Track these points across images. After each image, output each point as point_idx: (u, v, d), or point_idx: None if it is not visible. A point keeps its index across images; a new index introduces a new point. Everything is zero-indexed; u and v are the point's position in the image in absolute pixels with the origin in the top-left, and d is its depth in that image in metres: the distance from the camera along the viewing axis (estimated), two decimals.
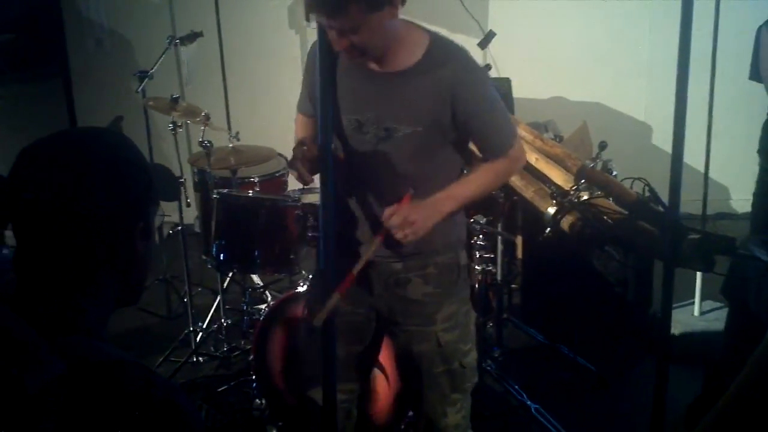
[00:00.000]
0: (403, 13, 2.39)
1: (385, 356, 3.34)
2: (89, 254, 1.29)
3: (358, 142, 2.48)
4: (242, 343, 4.22)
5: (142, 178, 1.36)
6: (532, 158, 3.40)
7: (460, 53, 2.43)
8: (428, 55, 2.38)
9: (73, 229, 1.26)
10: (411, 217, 2.33)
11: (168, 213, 4.84)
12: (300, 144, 2.46)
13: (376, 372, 3.39)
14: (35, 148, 1.31)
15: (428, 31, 2.45)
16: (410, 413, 3.45)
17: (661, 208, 2.79)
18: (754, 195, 3.93)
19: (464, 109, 2.38)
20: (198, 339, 4.31)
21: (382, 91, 2.42)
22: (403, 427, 3.44)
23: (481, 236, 3.81)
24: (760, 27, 3.91)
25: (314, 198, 3.68)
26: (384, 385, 3.39)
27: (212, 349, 4.31)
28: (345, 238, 2.54)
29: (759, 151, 3.93)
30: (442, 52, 2.40)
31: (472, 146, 2.64)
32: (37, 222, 1.25)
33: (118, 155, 1.34)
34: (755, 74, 3.92)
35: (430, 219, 2.38)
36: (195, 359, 4.20)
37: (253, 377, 3.70)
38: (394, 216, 2.34)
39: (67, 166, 1.26)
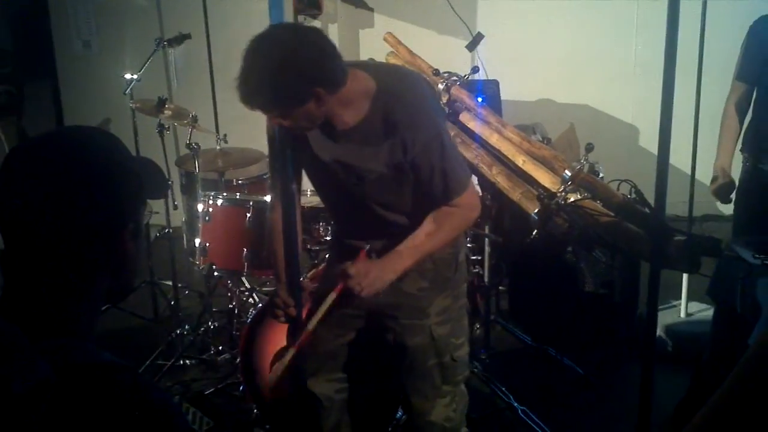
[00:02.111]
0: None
1: None
2: (79, 257, 1.28)
3: (336, 183, 2.54)
4: (229, 345, 4.21)
5: (133, 179, 1.35)
6: (519, 160, 3.41)
7: (408, 95, 2.43)
8: (375, 104, 2.38)
9: (64, 232, 1.25)
10: (366, 272, 2.40)
11: (156, 210, 4.82)
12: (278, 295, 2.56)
13: None
14: (24, 150, 1.30)
15: (374, 75, 2.42)
16: (399, 413, 3.45)
17: (647, 210, 2.80)
18: (736, 193, 3.94)
19: (413, 152, 2.38)
20: (185, 341, 4.30)
21: (343, 145, 2.45)
22: (390, 429, 3.44)
23: (468, 239, 3.81)
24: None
25: (302, 201, 3.68)
26: None
27: (199, 351, 4.29)
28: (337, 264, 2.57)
29: (742, 150, 3.94)
30: (389, 97, 2.39)
31: None
32: (26, 225, 1.25)
33: (109, 157, 1.33)
34: (743, 74, 3.93)
35: (386, 275, 2.44)
36: (182, 362, 4.19)
37: (241, 380, 3.69)
38: (350, 270, 2.39)
39: (57, 169, 1.25)
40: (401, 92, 2.42)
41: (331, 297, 2.44)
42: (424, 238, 2.50)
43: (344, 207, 2.67)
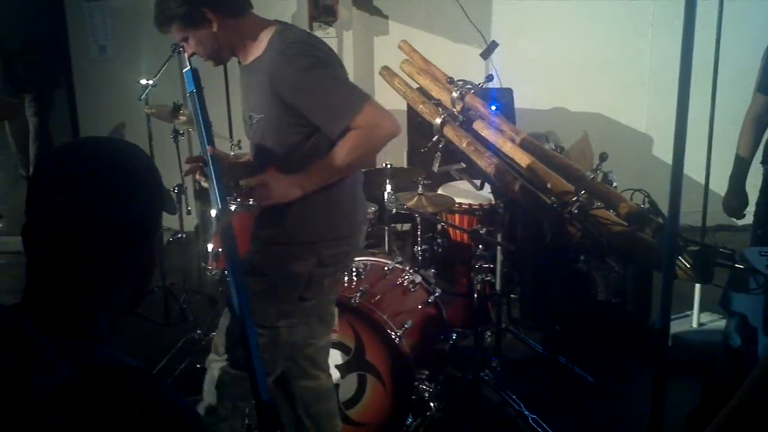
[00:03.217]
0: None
1: (380, 361, 3.35)
2: (110, 261, 1.30)
3: (248, 133, 2.78)
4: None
5: (159, 186, 1.39)
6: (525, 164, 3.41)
7: (281, 39, 2.58)
8: (267, 49, 2.60)
9: (98, 236, 1.28)
10: (270, 182, 2.52)
11: (167, 227, 4.85)
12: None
13: (372, 377, 3.39)
14: (58, 155, 1.33)
15: (279, 26, 2.65)
16: (409, 420, 3.45)
17: (660, 220, 2.79)
18: (757, 205, 3.91)
19: (287, 94, 2.52)
20: (196, 346, 4.31)
21: (243, 84, 2.75)
22: None
23: (480, 246, 3.81)
24: None
25: None
26: (380, 391, 3.39)
27: None
28: None
29: (762, 162, 3.92)
30: (275, 44, 2.58)
31: None
32: (59, 226, 1.26)
33: (141, 164, 1.36)
34: (764, 86, 3.89)
35: (290, 189, 2.53)
36: (193, 366, 4.20)
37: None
38: (255, 179, 2.55)
39: (93, 174, 1.28)
40: (281, 37, 2.59)
41: (240, 201, 2.61)
42: (328, 158, 2.55)
43: (253, 157, 2.82)
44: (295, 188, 2.53)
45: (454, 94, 3.83)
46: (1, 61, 6.35)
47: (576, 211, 2.97)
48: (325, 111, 2.52)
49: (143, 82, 4.39)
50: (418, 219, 4.09)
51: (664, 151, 6.08)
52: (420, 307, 3.71)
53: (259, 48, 2.63)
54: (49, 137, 6.57)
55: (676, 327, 4.35)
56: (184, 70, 2.57)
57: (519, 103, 5.39)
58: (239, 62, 2.74)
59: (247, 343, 2.33)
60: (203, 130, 2.49)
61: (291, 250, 2.73)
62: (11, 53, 6.30)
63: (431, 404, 3.49)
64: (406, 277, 3.75)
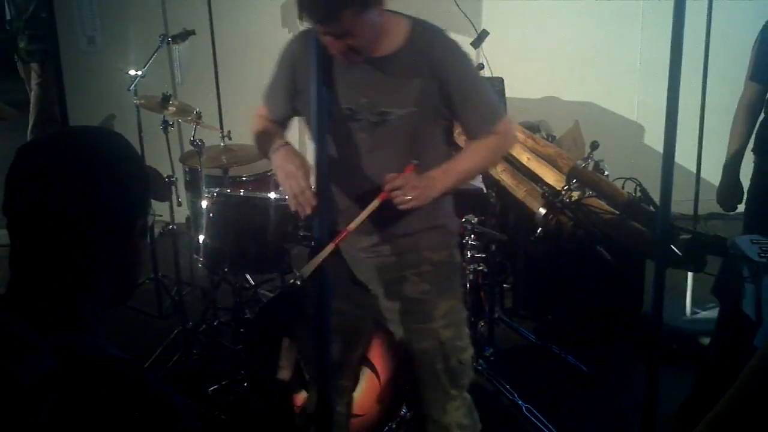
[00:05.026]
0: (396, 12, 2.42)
1: (374, 353, 3.34)
2: (90, 252, 1.29)
3: (351, 130, 2.51)
4: (233, 342, 4.21)
5: (142, 176, 1.37)
6: (524, 158, 3.40)
7: (442, 34, 2.51)
8: (411, 39, 2.45)
9: (76, 227, 1.26)
10: (414, 183, 2.38)
11: (159, 213, 4.82)
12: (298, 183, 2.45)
13: (366, 369, 3.38)
14: (37, 146, 1.32)
15: (407, 16, 2.51)
16: (403, 411, 3.44)
17: (652, 209, 2.79)
18: (748, 194, 3.91)
19: (450, 89, 2.45)
20: (188, 338, 4.29)
21: (372, 78, 2.46)
22: (394, 425, 3.44)
23: (472, 236, 3.80)
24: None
25: None
26: (374, 383, 3.39)
27: (203, 348, 4.29)
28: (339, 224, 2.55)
29: (753, 150, 3.91)
30: (424, 34, 2.47)
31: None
32: (39, 221, 1.25)
33: (120, 154, 1.35)
34: (756, 75, 3.86)
35: (432, 189, 2.44)
36: (185, 358, 4.19)
37: (244, 377, 3.69)
38: (397, 179, 2.37)
39: (71, 164, 1.27)
40: (436, 30, 2.51)
41: (375, 203, 2.42)
42: (464, 158, 2.56)
43: (345, 162, 2.58)
44: (433, 191, 2.46)
45: None
46: (9, 38, 6.43)
47: (568, 201, 2.97)
48: (482, 110, 2.54)
49: (132, 72, 4.37)
50: None
51: (655, 140, 6.07)
52: None
53: (396, 37, 2.45)
54: (49, 108, 6.56)
55: (668, 316, 4.35)
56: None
57: (510, 92, 5.37)
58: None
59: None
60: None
61: (451, 243, 2.75)
62: (17, 30, 6.34)
63: None
64: None
